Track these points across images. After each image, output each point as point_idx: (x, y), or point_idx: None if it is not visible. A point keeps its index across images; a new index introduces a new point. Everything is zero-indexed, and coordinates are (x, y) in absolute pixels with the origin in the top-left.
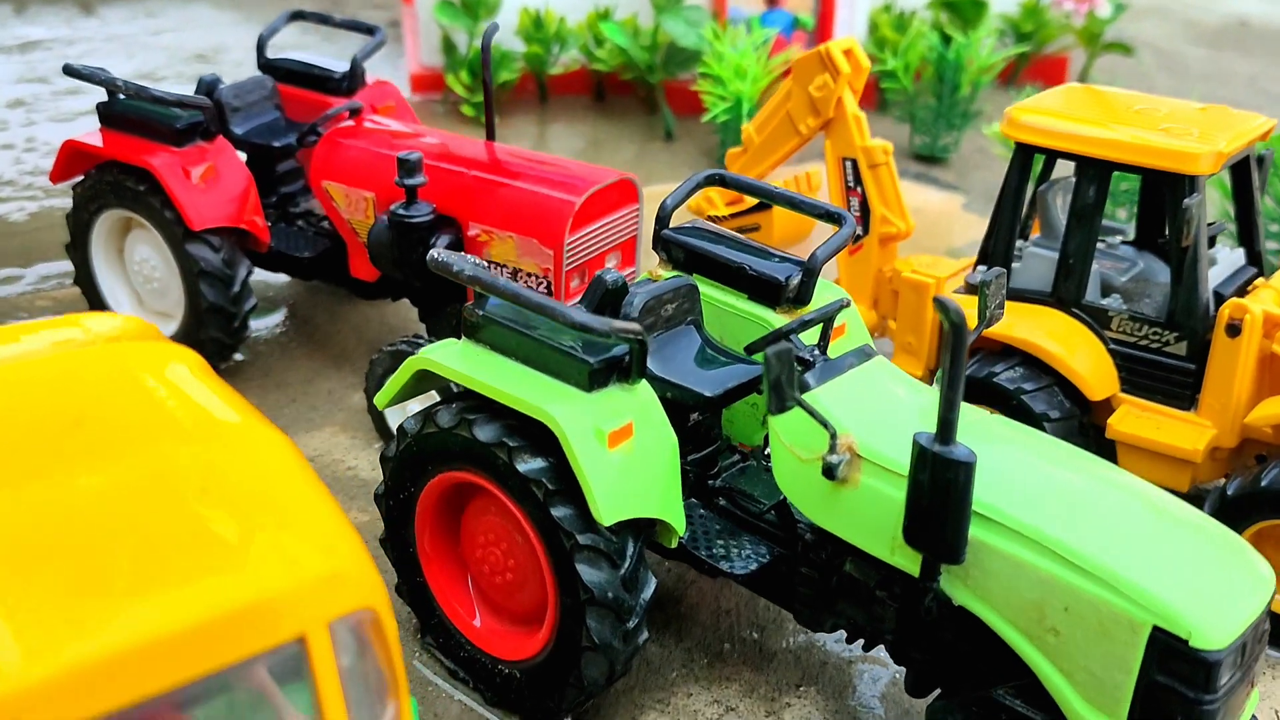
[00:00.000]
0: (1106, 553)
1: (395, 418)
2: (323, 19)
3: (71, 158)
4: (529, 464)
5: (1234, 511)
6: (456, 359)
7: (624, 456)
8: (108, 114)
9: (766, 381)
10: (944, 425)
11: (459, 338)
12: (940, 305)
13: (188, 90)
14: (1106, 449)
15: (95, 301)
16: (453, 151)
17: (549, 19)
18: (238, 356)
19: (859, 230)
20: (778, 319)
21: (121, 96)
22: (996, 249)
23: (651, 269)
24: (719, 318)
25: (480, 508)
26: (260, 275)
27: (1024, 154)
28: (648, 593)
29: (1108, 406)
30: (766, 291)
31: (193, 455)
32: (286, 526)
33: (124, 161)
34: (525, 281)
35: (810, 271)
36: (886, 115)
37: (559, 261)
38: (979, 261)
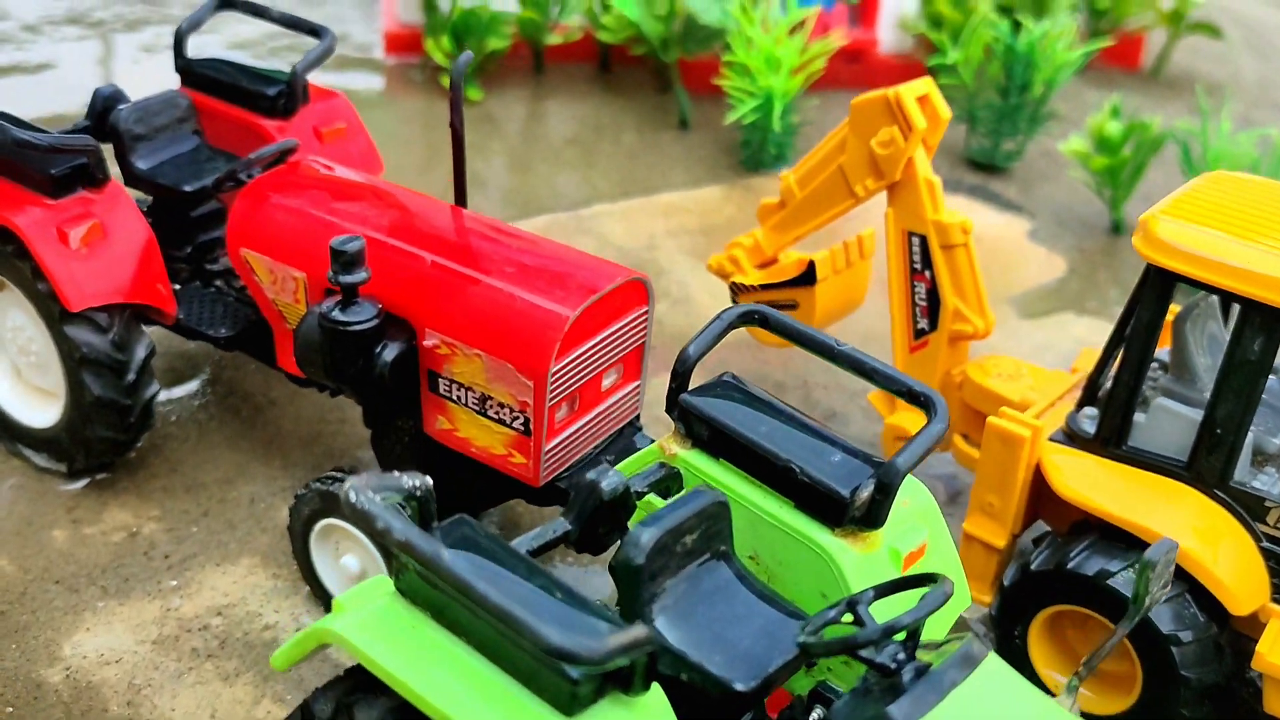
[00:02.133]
0: None
1: (330, 575)
2: (257, 11)
3: None
4: None
5: None
6: (378, 637)
7: None
8: None
9: None
10: None
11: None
12: None
13: (142, 36)
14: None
15: None
16: (410, 223)
17: None
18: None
19: (923, 324)
20: (837, 544)
21: None
22: (1115, 394)
23: (662, 441)
24: (753, 526)
25: None
26: None
27: (1164, 281)
28: None
29: (1254, 618)
30: (824, 506)
31: None
32: None
33: None
34: (497, 413)
35: (886, 487)
36: None
37: (540, 395)
38: (1085, 399)
